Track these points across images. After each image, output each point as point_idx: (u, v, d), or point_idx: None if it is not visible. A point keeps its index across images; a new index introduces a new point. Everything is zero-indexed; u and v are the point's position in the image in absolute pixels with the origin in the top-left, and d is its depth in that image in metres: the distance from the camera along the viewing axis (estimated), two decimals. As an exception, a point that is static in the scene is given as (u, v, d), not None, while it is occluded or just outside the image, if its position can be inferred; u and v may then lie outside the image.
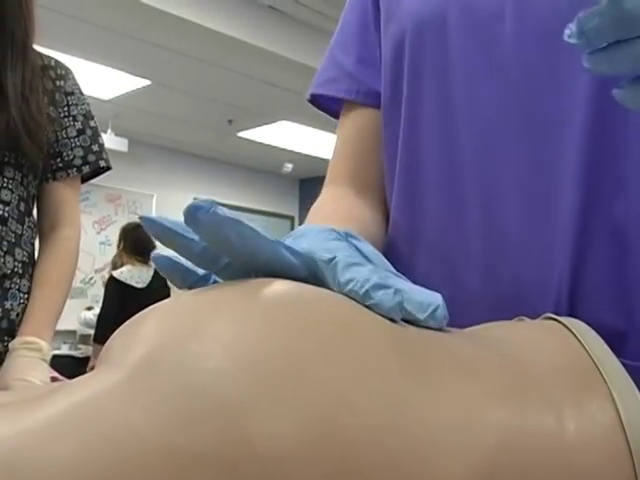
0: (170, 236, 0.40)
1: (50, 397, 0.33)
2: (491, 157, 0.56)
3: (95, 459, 0.30)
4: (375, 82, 0.68)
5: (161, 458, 0.30)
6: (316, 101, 0.74)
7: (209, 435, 0.30)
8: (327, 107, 0.74)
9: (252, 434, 0.30)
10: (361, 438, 0.32)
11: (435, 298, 0.42)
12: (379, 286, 0.39)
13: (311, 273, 0.41)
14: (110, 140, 5.70)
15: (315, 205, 0.65)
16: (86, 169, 1.34)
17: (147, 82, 5.34)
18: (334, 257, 0.41)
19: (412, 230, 0.62)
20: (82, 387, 0.33)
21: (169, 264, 0.42)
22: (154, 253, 0.42)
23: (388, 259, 0.46)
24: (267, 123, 6.21)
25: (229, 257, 0.40)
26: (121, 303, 4.03)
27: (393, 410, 0.33)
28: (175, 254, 0.42)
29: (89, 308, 5.22)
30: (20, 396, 0.37)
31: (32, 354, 1.17)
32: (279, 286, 0.38)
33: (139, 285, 4.14)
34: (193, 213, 0.38)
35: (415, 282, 0.64)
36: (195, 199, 0.38)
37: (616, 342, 0.41)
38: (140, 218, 0.40)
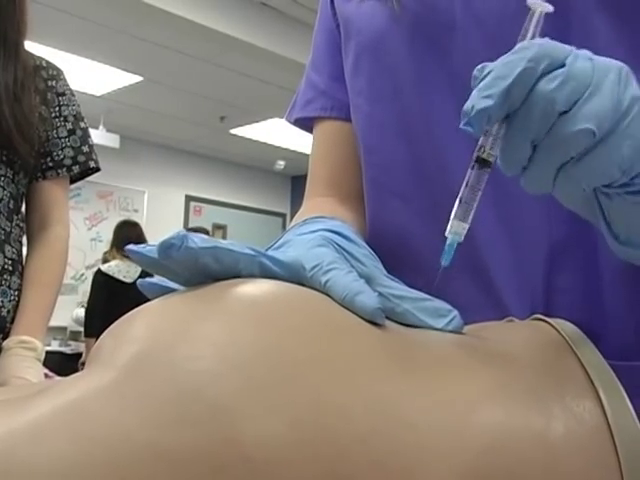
0: (158, 266, 0.41)
1: (40, 397, 0.33)
2: (453, 169, 0.56)
3: (84, 460, 0.30)
4: (347, 97, 0.69)
5: (150, 459, 0.30)
6: (298, 123, 0.75)
7: (199, 437, 0.30)
8: (309, 126, 0.75)
9: (242, 436, 0.31)
10: (350, 442, 0.32)
11: (448, 306, 0.43)
12: (358, 291, 0.39)
13: (297, 282, 0.41)
14: (102, 136, 5.68)
15: (297, 215, 0.66)
16: (76, 169, 1.35)
17: (139, 78, 5.32)
18: (317, 264, 0.41)
19: (388, 240, 0.63)
20: (72, 387, 0.33)
21: (157, 289, 0.43)
22: (140, 281, 0.43)
23: None
24: (259, 120, 6.20)
25: (214, 279, 0.41)
26: (109, 297, 4.02)
27: (382, 413, 0.33)
28: (161, 278, 0.43)
29: (84, 305, 5.19)
30: (13, 394, 0.37)
31: (28, 353, 1.18)
32: (270, 287, 0.39)
33: (127, 280, 4.13)
34: (166, 251, 0.38)
35: None
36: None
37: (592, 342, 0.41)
38: (127, 250, 0.41)
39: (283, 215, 8.13)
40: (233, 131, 6.55)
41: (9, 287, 1.22)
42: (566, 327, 0.43)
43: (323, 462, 0.31)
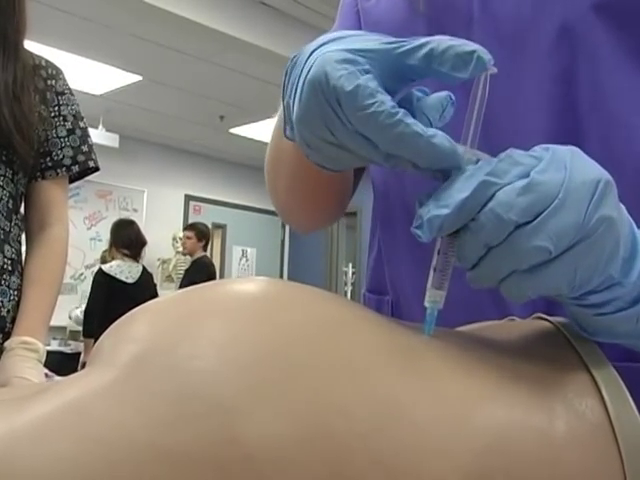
0: None
1: (41, 397, 0.33)
2: None
3: (86, 459, 0.30)
4: None
5: (152, 459, 0.30)
6: None
7: (200, 436, 0.30)
8: None
9: (244, 436, 0.31)
10: (351, 441, 0.32)
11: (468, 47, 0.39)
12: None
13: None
14: (101, 136, 5.68)
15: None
16: (75, 169, 1.35)
17: (139, 78, 5.32)
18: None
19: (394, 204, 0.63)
20: (73, 387, 0.33)
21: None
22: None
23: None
24: (259, 120, 6.19)
25: None
26: (109, 297, 4.03)
27: (384, 413, 0.33)
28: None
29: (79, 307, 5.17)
30: (14, 394, 0.37)
31: (30, 354, 1.18)
32: (271, 286, 0.39)
33: (129, 280, 4.14)
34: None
35: (401, 283, 0.65)
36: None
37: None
38: None
39: (282, 214, 8.11)
40: (232, 130, 6.55)
41: (8, 287, 1.22)
42: (568, 325, 0.43)
43: (324, 461, 0.31)
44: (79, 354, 4.71)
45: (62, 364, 4.45)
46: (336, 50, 0.39)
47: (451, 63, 0.38)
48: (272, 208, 0.76)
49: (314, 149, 0.42)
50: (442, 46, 0.38)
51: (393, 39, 0.40)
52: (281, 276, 8.04)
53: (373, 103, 0.37)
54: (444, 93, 0.42)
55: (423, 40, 0.39)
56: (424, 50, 0.38)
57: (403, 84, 0.41)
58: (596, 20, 0.52)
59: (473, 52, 0.38)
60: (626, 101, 0.51)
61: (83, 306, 4.69)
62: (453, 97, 0.42)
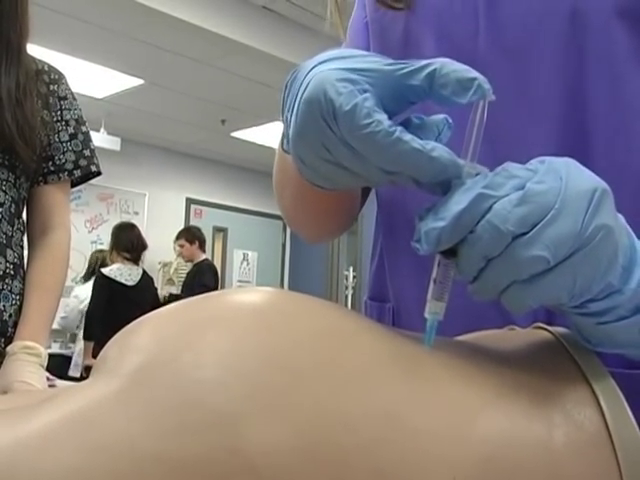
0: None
1: (46, 406, 0.33)
2: None
3: (90, 468, 0.30)
4: None
5: (155, 468, 0.30)
6: None
7: (203, 445, 0.31)
8: None
9: (246, 445, 0.31)
10: (353, 450, 0.32)
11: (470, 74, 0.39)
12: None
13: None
14: (103, 139, 5.68)
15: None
16: (77, 173, 1.35)
17: (140, 81, 5.32)
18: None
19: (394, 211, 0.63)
20: (77, 396, 0.34)
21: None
22: None
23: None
24: (261, 124, 6.19)
25: None
26: (110, 300, 4.02)
27: (385, 421, 0.34)
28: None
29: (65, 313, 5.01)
30: (18, 402, 0.37)
31: (32, 359, 1.18)
32: (273, 295, 0.39)
33: (129, 283, 4.14)
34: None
35: (402, 291, 0.65)
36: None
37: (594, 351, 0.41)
38: None
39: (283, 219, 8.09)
40: (234, 134, 6.55)
41: (10, 291, 1.22)
42: (567, 335, 0.43)
43: (326, 470, 0.32)
44: (78, 357, 4.69)
45: (63, 367, 4.44)
46: (335, 69, 0.40)
47: (452, 87, 0.38)
48: (273, 212, 0.77)
49: (310, 166, 0.42)
50: (444, 69, 0.38)
51: (395, 61, 0.40)
52: (282, 279, 8.03)
53: (370, 123, 0.37)
54: (440, 116, 0.42)
55: (426, 62, 0.39)
56: (427, 70, 0.39)
57: (403, 106, 0.41)
58: (614, 23, 0.52)
59: (474, 79, 0.38)
60: (637, 108, 0.52)
61: (67, 308, 4.64)
62: (450, 120, 0.42)
